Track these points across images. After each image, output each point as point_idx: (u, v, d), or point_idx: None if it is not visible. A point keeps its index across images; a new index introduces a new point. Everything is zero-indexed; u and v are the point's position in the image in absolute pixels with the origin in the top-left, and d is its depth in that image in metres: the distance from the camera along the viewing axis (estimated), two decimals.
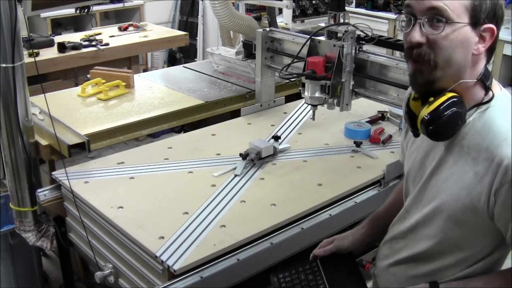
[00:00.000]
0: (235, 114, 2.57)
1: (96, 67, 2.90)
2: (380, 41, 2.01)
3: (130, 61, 3.82)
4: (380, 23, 4.63)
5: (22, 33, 1.91)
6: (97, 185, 1.85)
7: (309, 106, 2.04)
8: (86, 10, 2.49)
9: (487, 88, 1.19)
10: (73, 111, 2.43)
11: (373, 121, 2.38)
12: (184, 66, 3.21)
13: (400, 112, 2.33)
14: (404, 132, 1.50)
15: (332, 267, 1.47)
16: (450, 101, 1.16)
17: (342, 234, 1.58)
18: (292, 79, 2.19)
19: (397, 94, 1.98)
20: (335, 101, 2.02)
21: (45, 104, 2.01)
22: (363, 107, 2.48)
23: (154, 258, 1.50)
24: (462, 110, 1.17)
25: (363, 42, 2.01)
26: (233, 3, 2.83)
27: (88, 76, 2.81)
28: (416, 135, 1.29)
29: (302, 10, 2.77)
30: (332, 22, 2.02)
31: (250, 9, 4.27)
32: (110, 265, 1.70)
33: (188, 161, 2.03)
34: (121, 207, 1.70)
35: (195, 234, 1.57)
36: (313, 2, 2.77)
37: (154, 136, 2.57)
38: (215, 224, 1.63)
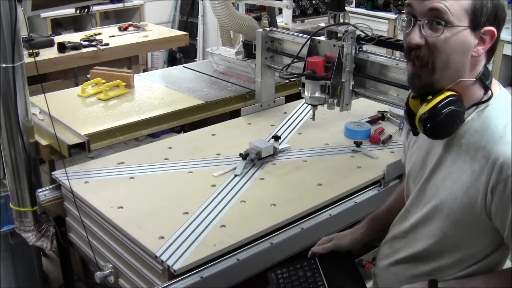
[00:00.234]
0: (235, 114, 2.57)
1: (96, 67, 2.90)
2: (380, 41, 2.01)
3: (130, 61, 3.82)
4: (380, 23, 4.63)
5: (22, 33, 1.91)
6: (97, 185, 1.85)
7: (309, 106, 2.04)
8: (86, 10, 2.49)
9: (486, 88, 1.19)
10: (73, 111, 2.43)
11: (373, 121, 2.38)
12: (184, 66, 3.21)
13: (400, 112, 2.33)
14: (406, 132, 1.50)
15: (331, 265, 1.47)
16: (448, 99, 1.16)
17: (341, 232, 1.58)
18: (292, 79, 2.19)
19: (397, 94, 1.98)
20: (335, 101, 2.02)
21: (45, 104, 2.01)
22: (363, 107, 2.48)
23: (154, 258, 1.50)
24: (460, 109, 1.17)
25: (363, 42, 2.00)
26: (233, 3, 2.83)
27: (88, 76, 2.81)
28: (415, 133, 1.29)
29: (302, 10, 2.77)
30: (332, 22, 2.02)
31: (250, 9, 4.27)
32: (110, 265, 1.70)
33: (188, 161, 2.03)
34: (121, 207, 1.70)
35: (195, 234, 1.57)
36: (313, 2, 2.77)
37: (154, 136, 2.57)
38: (215, 224, 1.63)
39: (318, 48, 2.06)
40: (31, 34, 3.36)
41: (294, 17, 2.76)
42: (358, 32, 1.98)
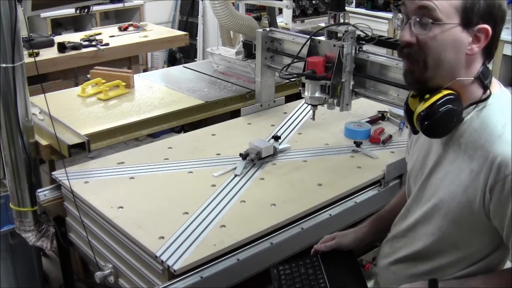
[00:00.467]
0: (235, 114, 2.57)
1: (96, 67, 2.90)
2: (380, 41, 2.01)
3: (130, 61, 3.82)
4: (380, 23, 4.63)
5: (22, 33, 1.91)
6: (97, 185, 1.85)
7: (309, 106, 2.04)
8: (86, 10, 2.49)
9: (485, 87, 1.19)
10: (73, 111, 2.43)
11: (373, 121, 2.38)
12: (184, 66, 3.21)
13: (400, 112, 2.33)
14: (409, 131, 1.50)
15: (332, 263, 1.47)
16: (446, 98, 1.17)
17: (344, 231, 1.58)
18: (292, 79, 2.19)
19: (397, 94, 1.98)
20: (335, 101, 2.02)
21: (45, 104, 2.01)
22: (363, 107, 2.48)
23: (154, 258, 1.50)
24: (457, 108, 1.17)
25: (363, 42, 2.01)
26: (233, 3, 2.83)
27: (88, 76, 2.81)
28: (415, 132, 1.29)
29: (302, 10, 2.77)
30: (332, 22, 2.02)
31: (250, 9, 4.27)
32: (110, 265, 1.70)
33: (188, 161, 2.03)
34: (121, 207, 1.70)
35: (195, 234, 1.57)
36: (313, 2, 2.77)
37: (154, 136, 2.57)
38: (215, 224, 1.63)
39: (318, 48, 2.06)
40: (31, 34, 3.36)
41: (294, 17, 2.76)
42: (358, 32, 1.98)
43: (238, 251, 1.56)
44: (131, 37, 3.81)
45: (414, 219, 1.33)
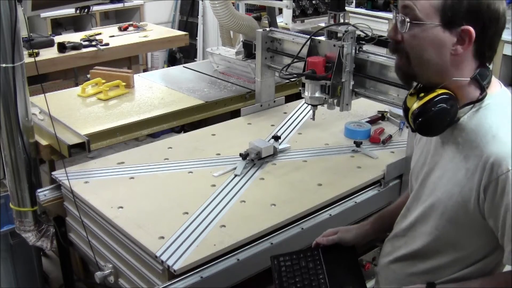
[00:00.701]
0: (235, 114, 2.57)
1: (96, 67, 2.90)
2: (380, 41, 2.01)
3: (130, 61, 3.82)
4: (380, 23, 4.62)
5: (22, 33, 1.91)
6: (97, 185, 1.85)
7: (309, 106, 2.04)
8: (86, 10, 2.49)
9: (482, 88, 1.19)
10: (73, 111, 2.43)
11: (373, 121, 2.38)
12: (184, 66, 3.21)
13: (400, 112, 2.33)
14: None
15: (333, 258, 1.47)
16: (440, 97, 1.17)
17: (347, 226, 1.59)
18: (292, 79, 2.19)
19: (397, 94, 1.98)
20: (335, 101, 2.02)
21: (45, 104, 2.01)
22: (363, 107, 2.48)
23: (154, 258, 1.50)
24: (451, 107, 1.18)
25: (363, 42, 2.01)
26: (233, 3, 2.83)
27: (88, 76, 2.81)
28: (412, 130, 1.30)
29: (302, 10, 2.77)
30: (332, 22, 2.02)
31: (250, 9, 4.26)
32: (110, 265, 1.70)
33: (188, 161, 2.03)
34: (121, 207, 1.70)
35: (195, 234, 1.57)
36: (313, 2, 2.77)
37: (154, 136, 2.57)
38: (215, 224, 1.63)
39: (318, 48, 2.06)
40: (31, 34, 3.36)
41: (294, 17, 2.76)
42: (358, 32, 1.98)
43: (238, 251, 1.56)
44: (131, 37, 3.81)
45: (413, 218, 1.34)
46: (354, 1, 4.87)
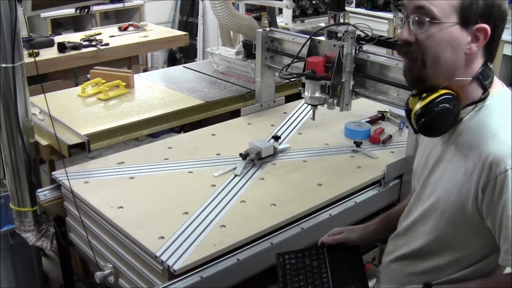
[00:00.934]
0: (235, 114, 2.57)
1: (96, 67, 2.90)
2: (380, 41, 2.01)
3: (130, 61, 3.81)
4: (380, 23, 4.62)
5: (22, 33, 1.91)
6: (97, 185, 1.85)
7: (309, 106, 2.04)
8: (86, 10, 2.49)
9: (484, 87, 1.19)
10: (73, 111, 2.43)
11: (373, 121, 2.38)
12: (184, 66, 3.21)
13: (400, 112, 2.33)
14: None
15: (337, 258, 1.48)
16: (442, 97, 1.17)
17: (352, 226, 1.59)
18: (292, 79, 2.19)
19: (397, 94, 1.98)
20: (335, 101, 2.02)
21: (45, 104, 2.01)
22: (363, 107, 2.48)
23: (154, 258, 1.50)
24: (453, 107, 1.18)
25: (363, 42, 2.01)
26: (233, 3, 2.82)
27: (88, 76, 2.81)
28: (415, 131, 1.29)
29: (302, 10, 2.77)
30: (332, 22, 2.02)
31: (250, 9, 4.26)
32: (110, 265, 1.70)
33: (188, 161, 2.03)
34: (121, 207, 1.70)
35: (195, 234, 1.57)
36: (313, 2, 2.77)
37: (154, 136, 2.57)
38: (215, 224, 1.63)
39: (318, 48, 2.06)
40: (31, 34, 3.36)
41: (294, 17, 2.76)
42: (358, 32, 1.98)
43: (238, 251, 1.56)
44: (131, 37, 3.81)
45: (414, 217, 1.34)
46: (354, 1, 4.87)
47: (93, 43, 3.50)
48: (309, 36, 2.06)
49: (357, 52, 2.00)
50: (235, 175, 1.92)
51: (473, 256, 1.25)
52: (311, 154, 2.11)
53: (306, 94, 1.99)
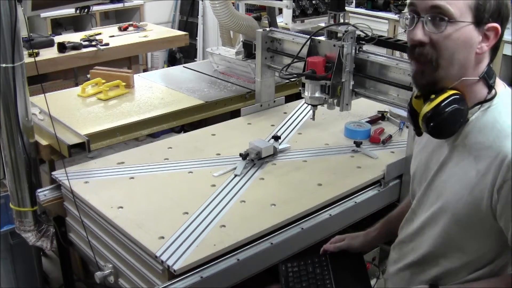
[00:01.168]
0: (235, 114, 2.57)
1: (96, 67, 2.90)
2: (380, 41, 2.01)
3: (130, 61, 3.82)
4: (380, 23, 4.62)
5: (22, 33, 1.91)
6: (97, 185, 1.85)
7: (309, 106, 2.04)
8: (86, 10, 2.49)
9: (490, 86, 1.19)
10: (73, 111, 2.43)
11: (373, 121, 2.38)
12: (184, 66, 3.21)
13: (400, 112, 2.33)
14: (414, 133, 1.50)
15: (340, 264, 1.48)
16: (452, 98, 1.16)
17: (354, 233, 1.59)
18: (292, 79, 2.19)
19: (397, 94, 1.98)
20: (335, 101, 2.02)
21: (45, 104, 2.01)
22: (363, 107, 2.48)
23: (154, 258, 1.50)
24: (463, 108, 1.17)
25: (363, 42, 2.01)
26: (233, 3, 2.83)
27: (88, 76, 2.81)
28: (418, 133, 1.28)
29: (302, 10, 2.77)
30: (332, 22, 2.02)
31: (250, 9, 4.26)
32: (110, 265, 1.70)
33: (188, 161, 2.03)
34: (121, 207, 1.70)
35: (195, 234, 1.57)
36: (313, 2, 2.77)
37: (154, 136, 2.57)
38: (215, 224, 1.63)
39: (318, 48, 2.05)
40: (31, 34, 3.36)
41: (294, 17, 2.76)
42: (358, 32, 1.98)
43: (238, 251, 1.56)
44: (131, 37, 3.81)
45: (420, 222, 1.32)
46: (354, 1, 4.88)
47: (93, 43, 3.50)
48: (309, 36, 2.05)
49: (357, 52, 2.00)
50: (235, 175, 1.92)
51: (482, 260, 1.23)
52: (311, 154, 2.11)
53: (306, 94, 1.99)
